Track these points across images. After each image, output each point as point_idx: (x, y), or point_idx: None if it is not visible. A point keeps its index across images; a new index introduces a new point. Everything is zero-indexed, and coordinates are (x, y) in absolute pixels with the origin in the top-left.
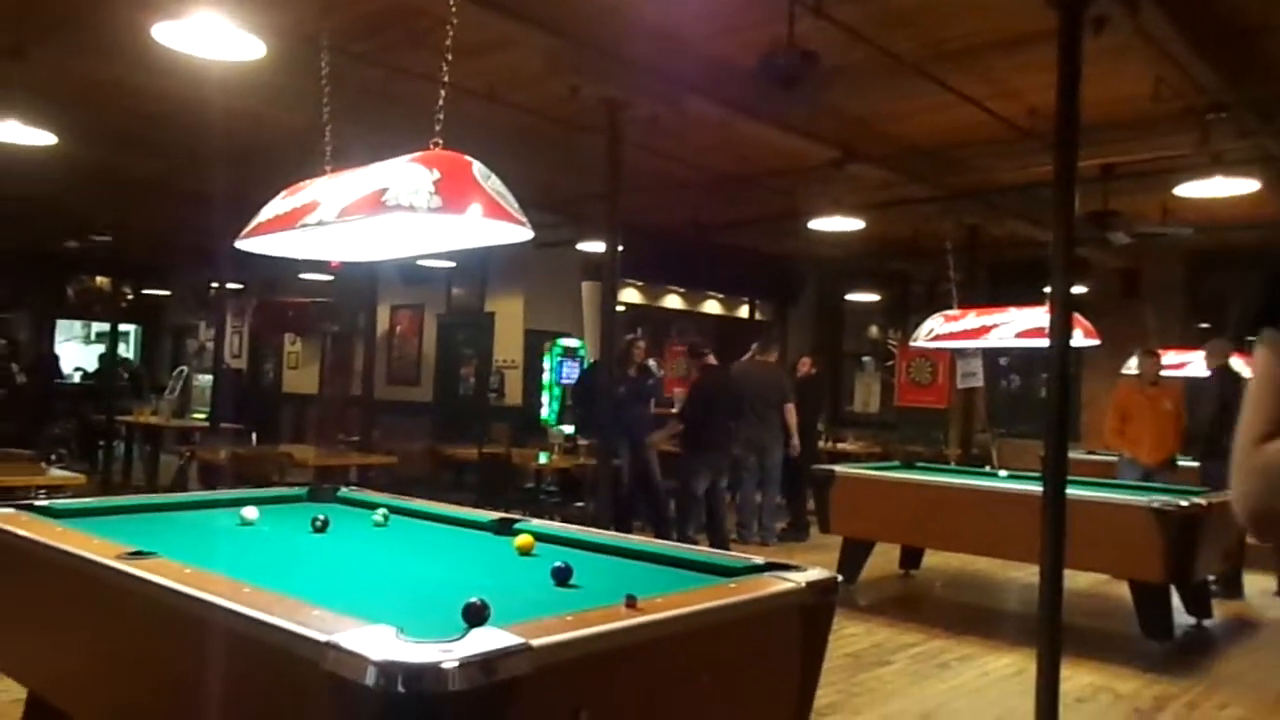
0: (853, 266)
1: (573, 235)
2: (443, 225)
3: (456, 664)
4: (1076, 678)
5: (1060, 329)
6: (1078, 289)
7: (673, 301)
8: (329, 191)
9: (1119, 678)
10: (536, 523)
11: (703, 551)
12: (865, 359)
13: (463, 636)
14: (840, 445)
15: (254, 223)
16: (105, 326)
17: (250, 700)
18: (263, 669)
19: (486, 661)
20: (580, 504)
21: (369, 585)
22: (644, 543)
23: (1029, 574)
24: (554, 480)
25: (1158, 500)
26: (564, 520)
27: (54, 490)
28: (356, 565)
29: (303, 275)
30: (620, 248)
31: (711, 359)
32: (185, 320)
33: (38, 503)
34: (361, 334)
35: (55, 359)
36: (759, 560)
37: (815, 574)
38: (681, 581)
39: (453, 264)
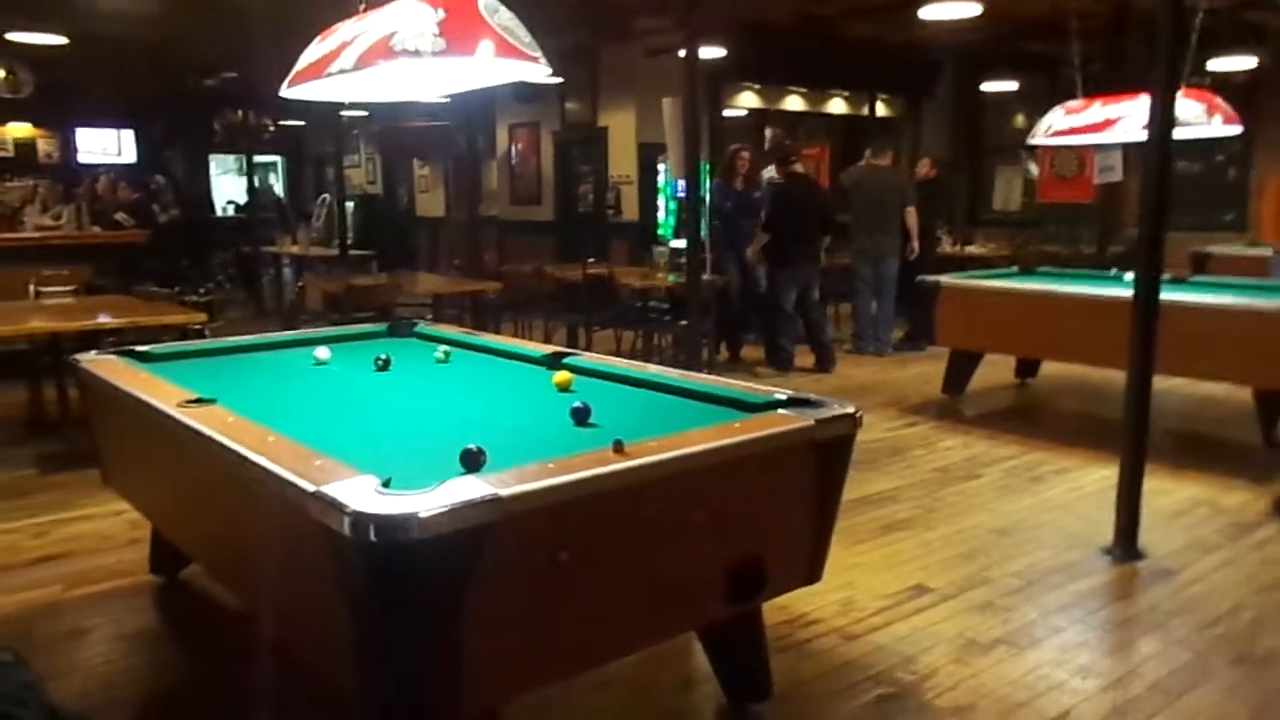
0: (990, 52)
1: (681, 40)
2: (456, 66)
3: (423, 514)
4: (1178, 491)
5: (1162, 114)
6: (1244, 62)
7: (794, 103)
8: (350, 36)
9: (1226, 491)
10: (586, 357)
11: (729, 386)
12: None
13: (438, 487)
14: (968, 249)
15: (294, 70)
16: (257, 159)
17: (275, 542)
18: (279, 515)
19: (453, 511)
20: (684, 322)
21: (395, 429)
22: (676, 376)
23: (1157, 384)
24: (664, 297)
25: None
26: (674, 339)
27: (177, 330)
28: (397, 406)
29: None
30: (725, 52)
31: (797, 166)
32: (324, 149)
33: (138, 348)
34: (482, 155)
35: (207, 194)
36: (782, 395)
37: (829, 410)
38: (699, 418)
39: (561, 79)
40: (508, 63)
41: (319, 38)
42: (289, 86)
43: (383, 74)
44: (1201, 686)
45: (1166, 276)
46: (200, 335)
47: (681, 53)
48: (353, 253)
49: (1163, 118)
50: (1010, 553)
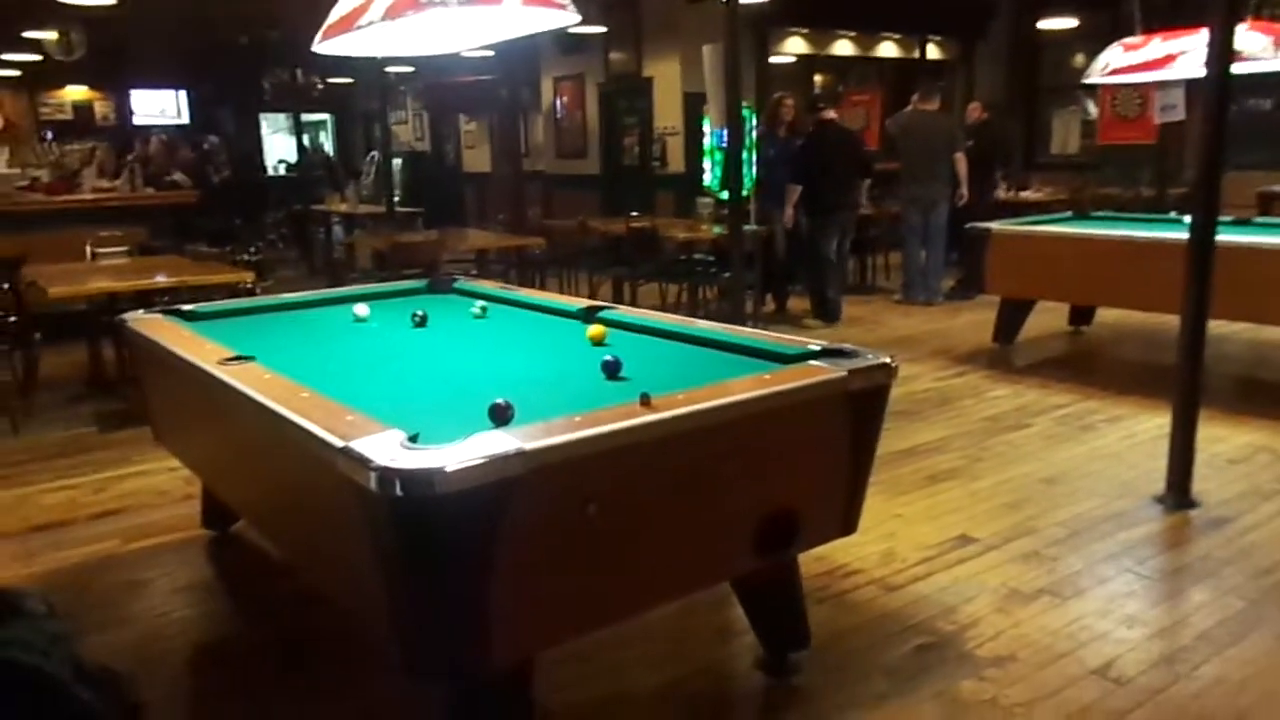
0: None
1: None
2: (484, 16)
3: (448, 469)
4: (1236, 437)
5: (1221, 47)
6: None
7: (843, 48)
8: None
9: None
10: (621, 310)
11: (763, 337)
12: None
13: (464, 441)
14: (1024, 194)
15: (325, 24)
16: (306, 117)
17: (308, 497)
18: (311, 470)
19: (478, 465)
20: (727, 274)
21: (427, 384)
22: (709, 329)
23: (1217, 329)
24: (709, 250)
25: None
26: (719, 292)
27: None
28: (431, 362)
29: (466, 53)
30: None
31: (829, 113)
32: (372, 106)
33: (184, 307)
34: (527, 109)
35: (259, 153)
36: (816, 345)
37: (863, 360)
38: (731, 370)
39: (604, 29)
40: (536, 11)
41: None
42: (321, 40)
43: (411, 26)
44: (1252, 635)
45: (1228, 218)
46: (251, 293)
47: None
48: (400, 210)
49: (1221, 51)
50: (1058, 502)
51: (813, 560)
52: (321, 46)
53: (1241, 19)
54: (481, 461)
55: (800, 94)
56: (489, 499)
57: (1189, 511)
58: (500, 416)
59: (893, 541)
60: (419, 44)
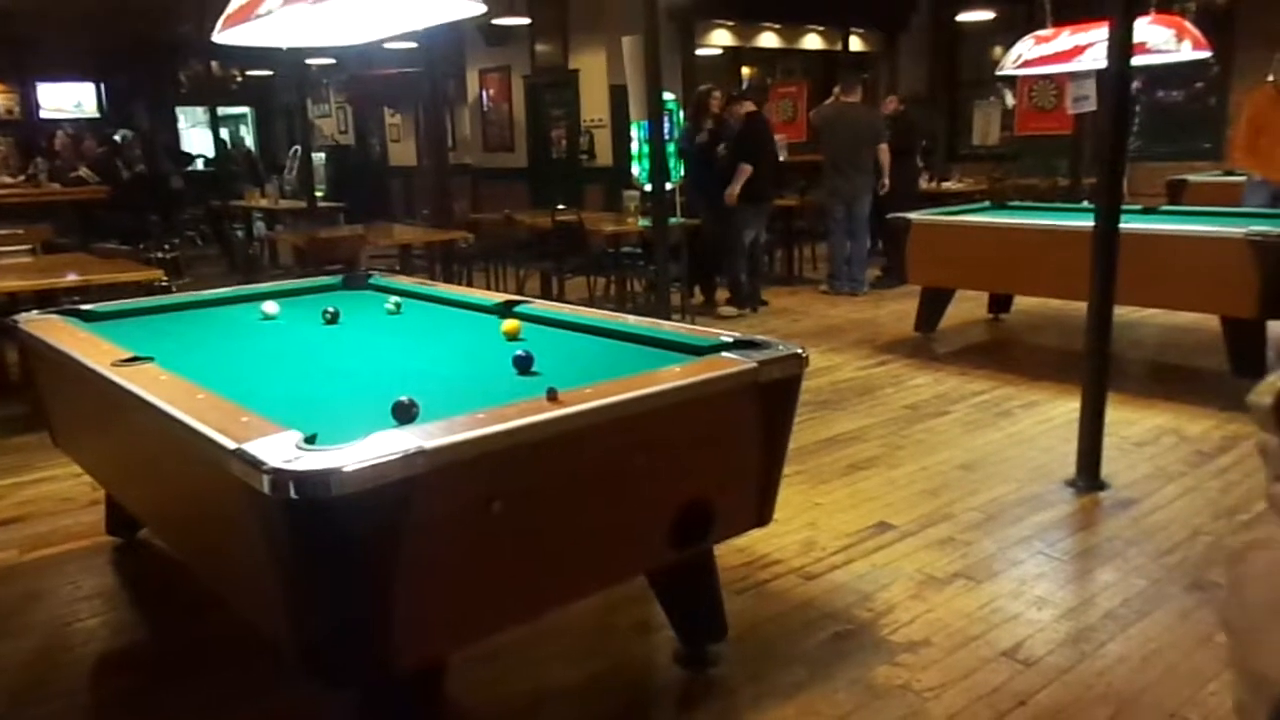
0: None
1: None
2: (386, 6)
3: (344, 470)
4: (1145, 420)
5: (1119, 43)
6: None
7: (769, 40)
8: None
9: (1192, 419)
10: (538, 304)
11: (677, 330)
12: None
13: (362, 440)
14: (945, 185)
15: (225, 12)
16: (226, 111)
17: (204, 501)
18: (205, 473)
19: (376, 465)
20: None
21: (333, 383)
22: (625, 322)
23: (1128, 315)
24: (637, 243)
25: (1254, 230)
26: (649, 286)
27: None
28: (339, 360)
29: (390, 45)
30: None
31: (750, 105)
32: (294, 100)
33: (83, 307)
34: (454, 102)
35: (176, 147)
36: (728, 337)
37: (773, 351)
38: (643, 363)
39: (529, 20)
40: (437, 0)
41: None
42: (221, 29)
43: (311, 15)
44: (1155, 613)
45: (1136, 206)
46: (166, 292)
47: None
48: (323, 205)
49: (1122, 44)
50: (974, 488)
51: (733, 551)
52: (221, 36)
53: (1145, 12)
54: (380, 461)
55: (727, 86)
56: (388, 499)
57: (1098, 494)
58: (403, 414)
59: (813, 531)
60: (321, 34)
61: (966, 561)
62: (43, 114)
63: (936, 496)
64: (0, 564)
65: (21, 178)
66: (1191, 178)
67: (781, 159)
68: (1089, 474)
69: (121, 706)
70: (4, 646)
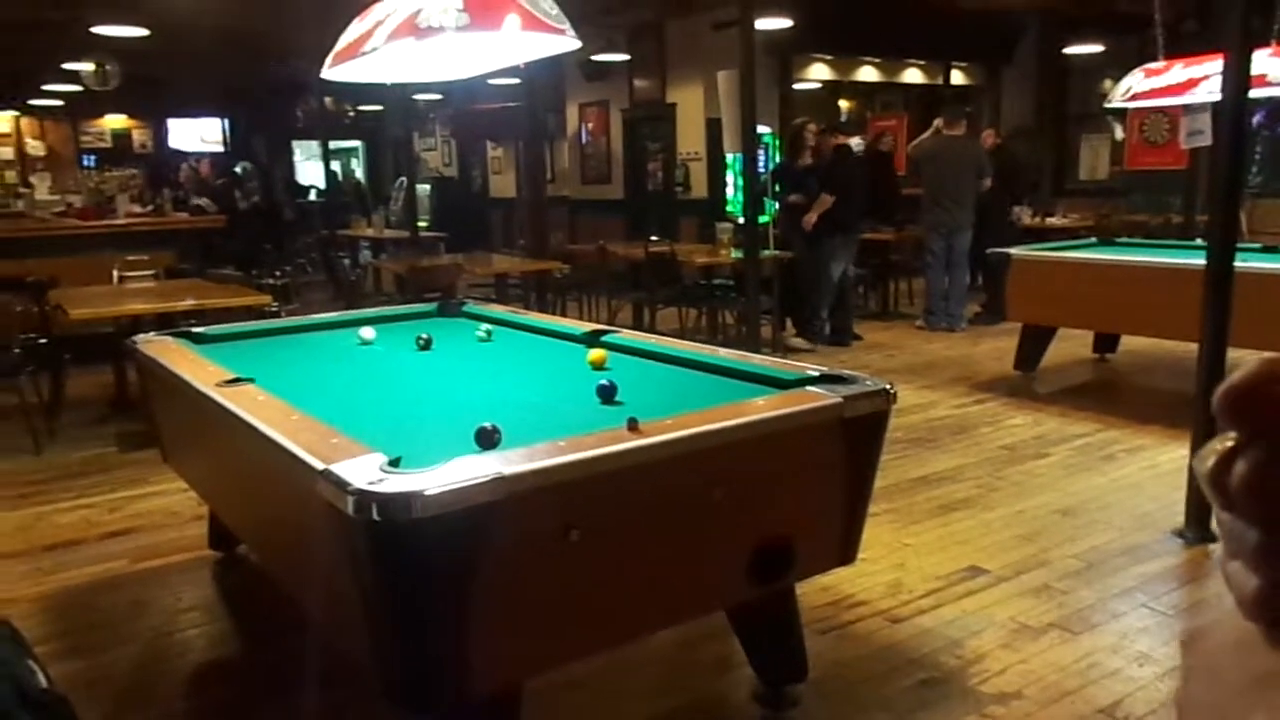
0: (1076, 13)
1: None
2: (487, 42)
3: (426, 493)
4: None
5: (1235, 73)
6: None
7: (868, 74)
8: (383, 15)
9: None
10: (625, 334)
11: (763, 363)
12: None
13: (444, 464)
14: (1050, 220)
15: (333, 51)
16: (339, 144)
17: (295, 520)
18: (296, 493)
19: (456, 489)
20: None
21: (422, 407)
22: (711, 354)
23: (1242, 358)
24: (730, 275)
25: None
26: (739, 318)
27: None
28: (429, 385)
29: (493, 81)
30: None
31: (841, 139)
32: (402, 133)
33: (195, 329)
34: (553, 135)
35: (291, 179)
36: (815, 371)
37: (859, 387)
38: (727, 395)
39: (628, 56)
40: (535, 36)
41: (359, 17)
42: (329, 68)
43: (413, 52)
44: None
45: (1256, 245)
46: (275, 316)
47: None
48: (424, 234)
49: (1238, 76)
50: (1073, 534)
51: (817, 590)
52: (330, 73)
53: (1265, 44)
54: (460, 486)
55: (825, 119)
56: (468, 523)
57: (1208, 546)
58: (486, 440)
59: (901, 572)
60: (423, 70)
61: (1063, 611)
62: (171, 147)
63: (1032, 542)
64: (112, 573)
65: (150, 207)
66: None
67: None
68: (1199, 524)
69: (217, 717)
70: (111, 653)
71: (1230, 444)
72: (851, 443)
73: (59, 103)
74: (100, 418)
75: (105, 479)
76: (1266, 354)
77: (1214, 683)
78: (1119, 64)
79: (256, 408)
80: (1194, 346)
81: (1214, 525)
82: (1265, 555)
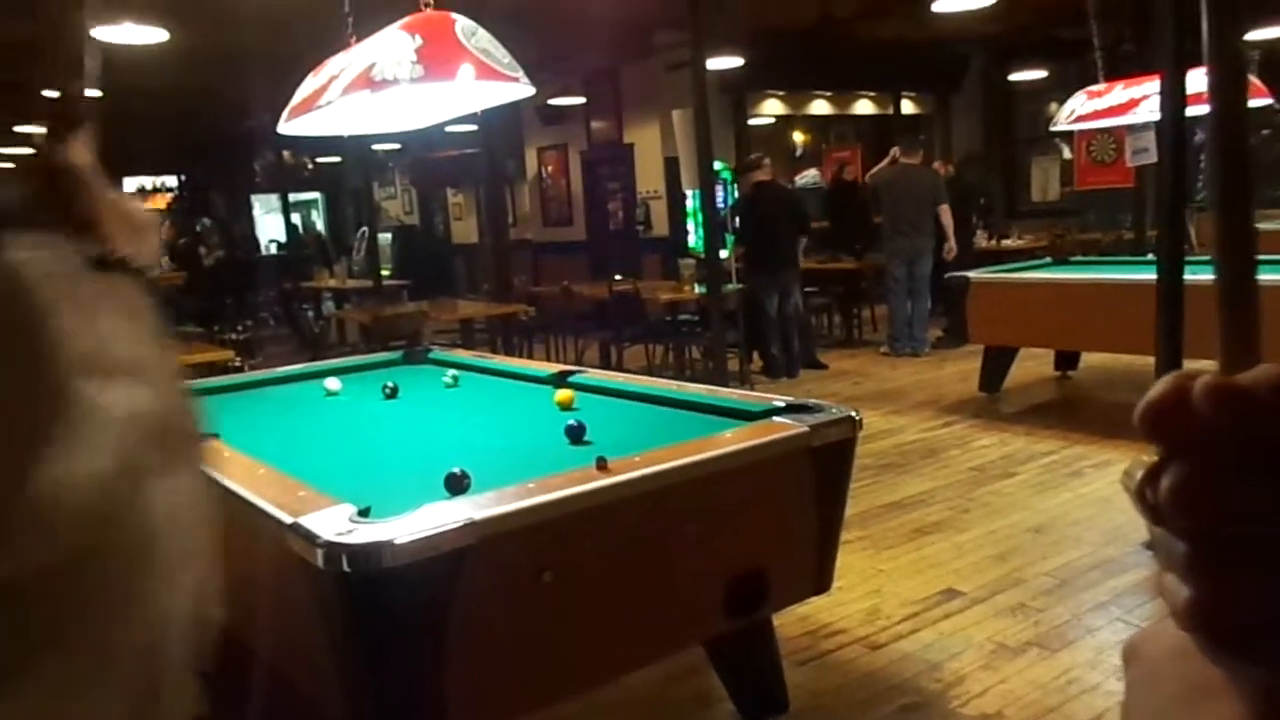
0: (1017, 41)
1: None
2: (441, 92)
3: (396, 542)
4: None
5: (1172, 93)
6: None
7: (821, 107)
8: (338, 69)
9: None
10: (592, 374)
11: (729, 395)
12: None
13: (414, 512)
14: (1005, 242)
15: (289, 105)
16: (299, 196)
17: (265, 574)
18: (264, 547)
19: (427, 537)
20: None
21: (389, 456)
22: (677, 389)
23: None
24: (694, 311)
25: None
26: (706, 352)
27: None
28: (396, 433)
29: (451, 128)
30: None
31: (761, 174)
32: (360, 184)
33: None
34: (514, 179)
35: (251, 234)
36: (780, 402)
37: (826, 415)
38: (694, 430)
39: (584, 99)
40: (490, 85)
41: (313, 72)
42: (285, 122)
43: (369, 104)
44: None
45: (1205, 256)
46: (239, 371)
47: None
48: (388, 283)
49: (1174, 94)
50: (1045, 552)
51: (794, 621)
52: (286, 127)
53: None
54: (431, 533)
55: (780, 153)
56: (440, 570)
57: None
58: (456, 486)
59: (877, 598)
60: (380, 121)
61: (1040, 630)
62: None
63: (1006, 561)
64: None
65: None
66: (1264, 226)
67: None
68: None
69: None
70: None
71: (1154, 460)
72: (821, 470)
73: (9, 165)
74: None
75: None
76: (1183, 368)
77: (1154, 692)
78: (1062, 87)
79: (221, 464)
80: (1151, 360)
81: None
82: (1193, 566)
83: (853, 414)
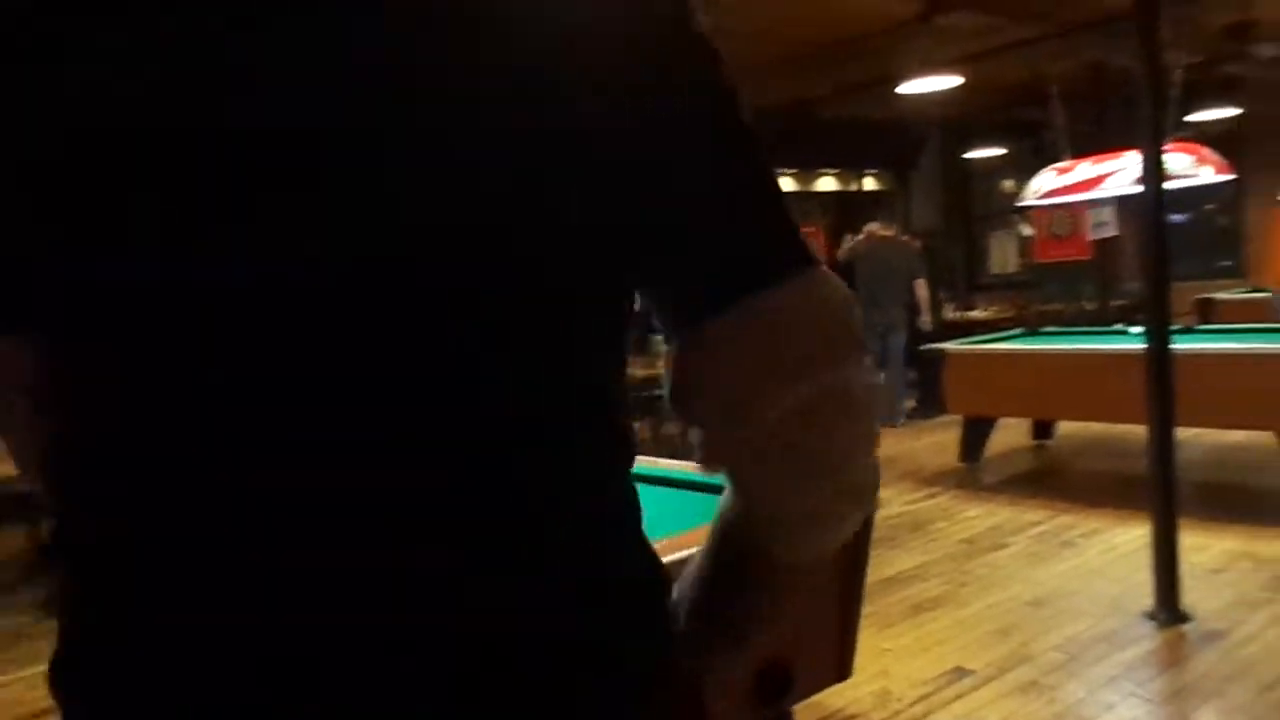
0: (974, 121)
1: None
2: None
3: None
4: (1215, 545)
5: (1152, 170)
6: (1227, 111)
7: (785, 184)
8: None
9: (1264, 541)
10: None
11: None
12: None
13: None
14: (970, 313)
15: None
16: None
17: None
18: None
19: None
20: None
21: None
22: (689, 471)
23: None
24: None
25: None
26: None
27: None
28: None
29: None
30: None
31: None
32: None
33: None
34: None
35: None
36: None
37: None
38: (705, 512)
39: None
40: None
41: None
42: None
43: None
44: None
45: (1177, 325)
46: None
47: None
48: None
49: (1154, 169)
50: (1048, 625)
51: (803, 710)
52: None
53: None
54: None
55: None
56: None
57: (1182, 626)
58: None
59: (886, 680)
60: None
61: (1055, 708)
62: None
63: (1010, 636)
64: None
65: None
66: (1220, 295)
67: None
68: (1169, 606)
69: None
70: None
71: None
72: (840, 554)
73: None
74: (14, 581)
75: (28, 648)
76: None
77: None
78: (1017, 165)
79: None
80: (1128, 428)
81: (1183, 606)
82: None
83: None
